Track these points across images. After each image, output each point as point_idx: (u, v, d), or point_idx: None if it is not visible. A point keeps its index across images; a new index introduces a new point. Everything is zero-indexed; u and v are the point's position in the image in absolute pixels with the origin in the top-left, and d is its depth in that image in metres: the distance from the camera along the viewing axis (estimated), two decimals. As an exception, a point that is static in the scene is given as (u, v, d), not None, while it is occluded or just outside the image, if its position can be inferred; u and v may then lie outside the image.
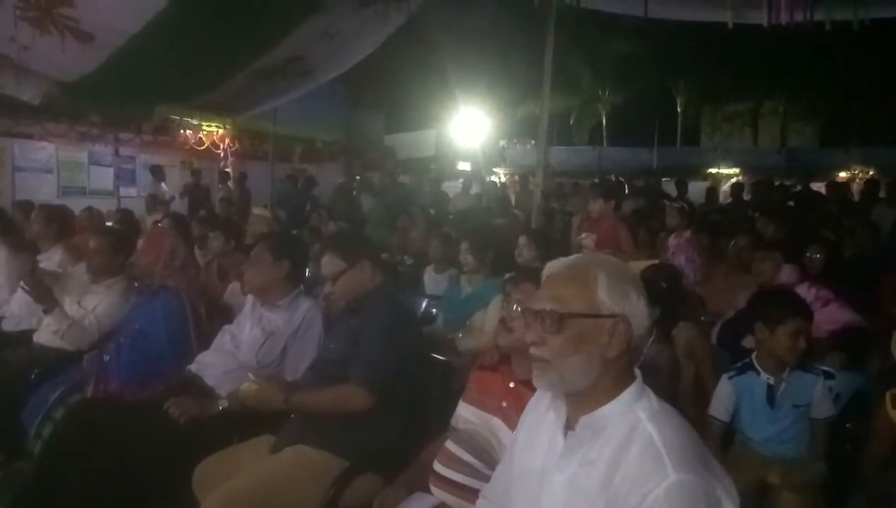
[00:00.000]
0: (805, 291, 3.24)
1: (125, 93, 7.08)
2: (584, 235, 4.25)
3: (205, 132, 11.12)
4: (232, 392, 2.59)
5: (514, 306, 1.92)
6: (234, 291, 3.95)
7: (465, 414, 2.00)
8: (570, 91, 24.53)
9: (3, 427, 3.13)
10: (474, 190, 12.96)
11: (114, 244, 3.54)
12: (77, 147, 11.30)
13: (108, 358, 3.02)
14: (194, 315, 3.16)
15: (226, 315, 3.50)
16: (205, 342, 3.15)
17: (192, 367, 2.81)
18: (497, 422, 1.90)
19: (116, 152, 10.81)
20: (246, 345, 2.74)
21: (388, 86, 18.48)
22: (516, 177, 22.39)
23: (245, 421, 2.53)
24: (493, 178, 20.89)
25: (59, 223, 4.26)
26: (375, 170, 17.44)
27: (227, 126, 11.00)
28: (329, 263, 2.33)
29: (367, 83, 15.90)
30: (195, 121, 10.66)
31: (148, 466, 2.41)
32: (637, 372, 1.36)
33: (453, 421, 2.03)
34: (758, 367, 2.47)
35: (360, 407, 2.19)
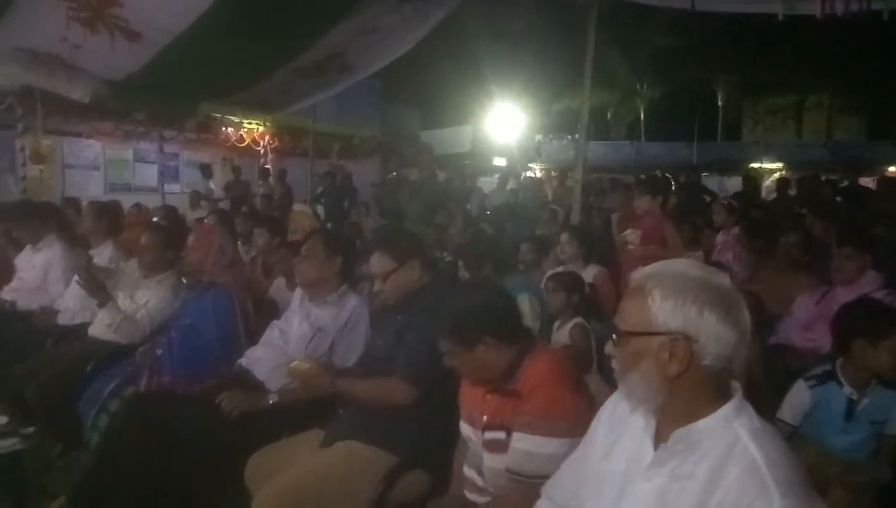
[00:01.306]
0: (882, 298, 3.14)
1: (170, 90, 7.23)
2: (628, 231, 4.19)
3: (245, 129, 11.32)
4: (282, 386, 2.63)
5: None
6: (279, 287, 4.01)
7: (462, 430, 2.04)
8: (608, 85, 24.18)
9: (59, 418, 3.22)
10: (510, 185, 12.92)
11: (164, 240, 3.62)
12: (123, 144, 11.60)
13: (160, 352, 3.09)
14: (243, 310, 3.22)
15: (272, 310, 3.56)
16: (252, 337, 3.21)
17: (243, 362, 2.86)
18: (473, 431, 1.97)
19: (161, 150, 11.04)
20: (294, 340, 2.78)
21: (424, 82, 18.52)
22: (552, 173, 22.31)
23: (295, 415, 2.57)
24: (530, 174, 20.81)
25: (110, 219, 4.36)
26: (412, 166, 17.52)
27: (268, 123, 11.18)
28: (379, 262, 2.35)
29: (404, 79, 15.95)
30: (236, 119, 10.86)
31: (201, 458, 2.47)
32: (736, 386, 1.31)
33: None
34: (841, 379, 2.37)
35: (401, 400, 2.21)
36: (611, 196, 8.73)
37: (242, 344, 3.17)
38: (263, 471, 2.24)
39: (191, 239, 3.29)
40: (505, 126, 19.96)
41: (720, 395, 1.28)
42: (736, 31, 19.91)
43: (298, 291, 3.00)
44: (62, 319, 4.00)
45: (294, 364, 2.29)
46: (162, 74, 6.36)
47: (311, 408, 2.54)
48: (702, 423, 1.26)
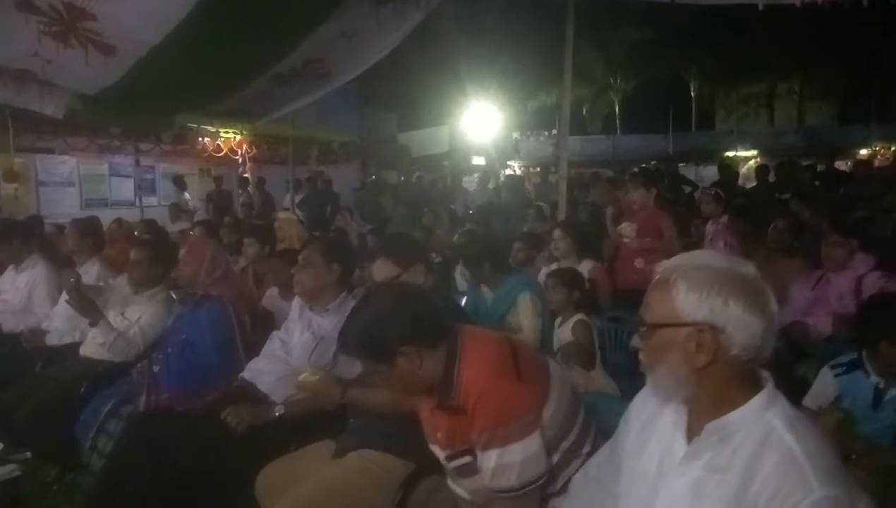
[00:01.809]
0: (876, 279, 3.17)
1: (146, 103, 7.10)
2: (624, 225, 4.19)
3: (222, 139, 11.18)
4: (287, 397, 2.59)
5: None
6: (273, 296, 3.96)
7: (432, 449, 1.97)
8: (583, 80, 24.31)
9: (55, 441, 3.14)
10: (491, 184, 12.93)
11: (154, 255, 3.55)
12: (97, 159, 11.39)
13: (157, 369, 3.02)
14: (239, 323, 3.16)
15: (268, 321, 3.51)
16: (250, 349, 3.17)
17: (246, 375, 2.81)
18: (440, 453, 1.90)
19: (137, 163, 10.89)
20: (297, 351, 2.73)
21: (401, 83, 18.47)
22: (531, 169, 22.39)
23: (301, 427, 2.53)
24: (510, 171, 20.90)
25: (93, 236, 4.27)
26: (391, 169, 17.46)
27: (244, 131, 11.05)
28: (382, 268, 2.31)
29: (380, 82, 15.87)
30: (213, 129, 10.73)
31: (208, 475, 2.42)
32: (766, 375, 1.30)
33: None
34: (868, 368, 2.37)
35: (413, 406, 2.16)
36: (593, 190, 8.77)
37: (240, 356, 3.12)
38: (275, 486, 2.19)
39: (183, 252, 3.23)
40: (482, 125, 19.96)
41: (750, 385, 1.27)
42: (706, 21, 20.20)
43: (297, 300, 2.95)
44: (51, 340, 3.90)
45: (302, 377, 2.24)
46: (137, 87, 6.24)
47: (318, 419, 2.51)
48: (735, 414, 1.25)
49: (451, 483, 1.94)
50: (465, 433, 1.76)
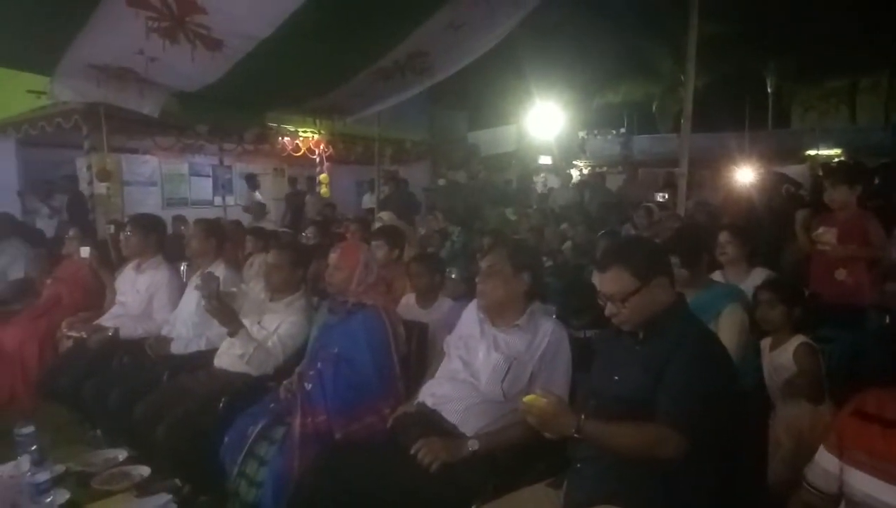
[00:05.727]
0: None
1: (242, 100, 6.95)
2: (821, 230, 3.66)
3: (301, 138, 11.06)
4: (479, 429, 2.25)
5: None
6: (409, 305, 3.64)
7: (860, 485, 1.52)
8: (651, 78, 23.52)
9: (200, 464, 2.87)
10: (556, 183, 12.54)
11: (295, 258, 3.28)
12: (178, 159, 11.45)
13: (310, 387, 2.73)
14: (394, 335, 2.85)
15: (421, 333, 3.18)
16: (404, 365, 2.86)
17: (427, 400, 2.46)
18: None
19: (221, 162, 10.86)
20: (486, 374, 2.36)
21: (469, 82, 18.09)
22: (596, 169, 21.79)
23: (498, 467, 2.17)
24: (575, 171, 20.38)
25: (218, 237, 4.02)
26: (460, 168, 17.14)
27: (322, 131, 10.90)
28: (616, 280, 1.91)
29: (449, 81, 15.51)
30: (292, 128, 10.62)
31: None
32: None
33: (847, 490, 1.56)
34: None
35: (670, 453, 1.76)
36: (697, 191, 8.24)
37: (398, 374, 2.81)
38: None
39: (334, 256, 2.93)
40: (548, 123, 19.49)
41: None
42: (785, 14, 19.23)
43: (472, 313, 2.59)
44: (176, 348, 3.67)
45: (529, 397, 1.87)
46: (239, 84, 6.07)
47: (515, 458, 2.16)
48: None
49: None
50: None
